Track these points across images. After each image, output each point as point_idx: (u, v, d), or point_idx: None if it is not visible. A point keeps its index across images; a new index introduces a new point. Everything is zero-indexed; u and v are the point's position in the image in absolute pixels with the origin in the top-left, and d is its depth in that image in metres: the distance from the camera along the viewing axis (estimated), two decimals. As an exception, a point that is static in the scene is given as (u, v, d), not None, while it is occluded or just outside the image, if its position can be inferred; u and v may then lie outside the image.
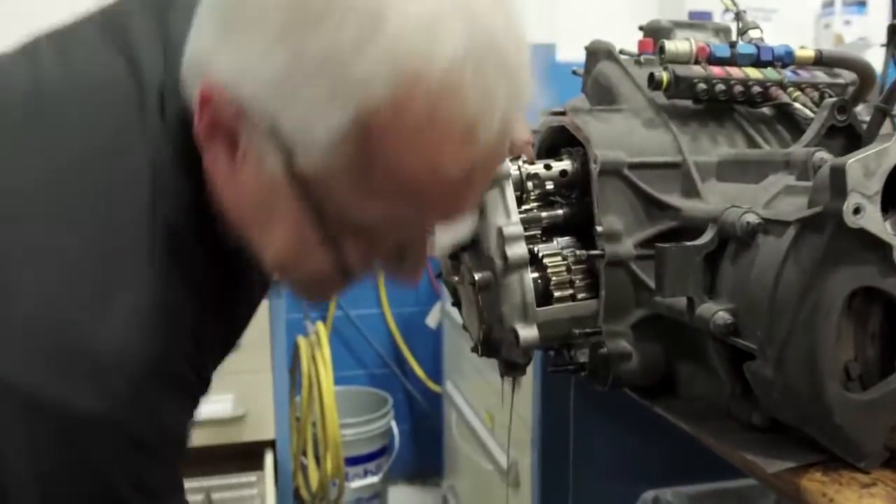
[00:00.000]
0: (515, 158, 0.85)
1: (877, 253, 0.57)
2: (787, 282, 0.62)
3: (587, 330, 0.81)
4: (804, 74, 0.88)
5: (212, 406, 1.87)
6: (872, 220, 0.55)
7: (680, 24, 0.98)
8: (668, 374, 0.82)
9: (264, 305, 1.94)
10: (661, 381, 0.83)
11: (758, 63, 0.87)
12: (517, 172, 0.83)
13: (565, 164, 0.85)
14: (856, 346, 0.61)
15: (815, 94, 0.85)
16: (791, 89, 0.86)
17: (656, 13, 2.90)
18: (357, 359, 2.73)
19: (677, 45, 0.86)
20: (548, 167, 0.85)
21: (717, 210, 0.71)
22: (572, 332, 0.81)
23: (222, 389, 1.92)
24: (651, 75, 0.84)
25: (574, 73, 1.04)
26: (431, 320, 2.60)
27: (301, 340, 2.17)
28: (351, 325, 2.69)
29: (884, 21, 2.72)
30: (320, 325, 2.21)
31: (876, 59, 0.86)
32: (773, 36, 3.13)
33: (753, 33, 0.91)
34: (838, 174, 0.55)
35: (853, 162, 0.55)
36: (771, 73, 0.86)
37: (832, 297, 0.58)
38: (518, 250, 0.78)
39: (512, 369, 0.85)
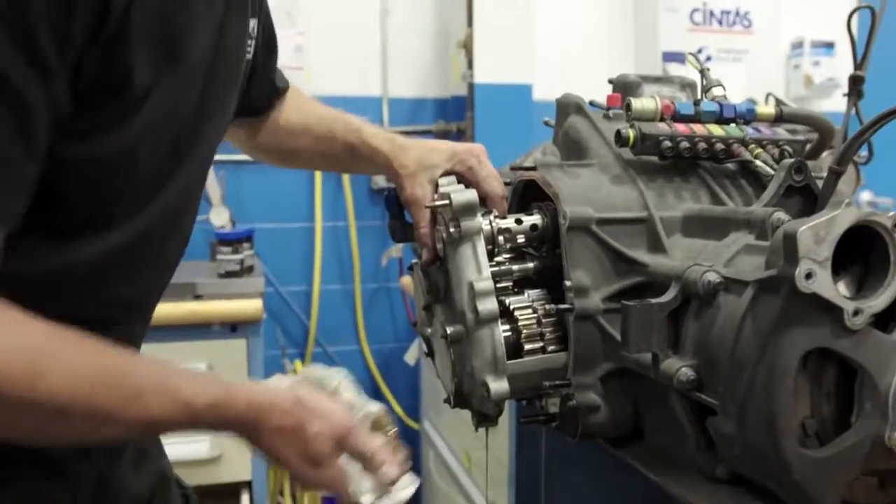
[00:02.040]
0: (487, 212, 0.88)
1: (829, 315, 0.60)
2: (745, 341, 0.64)
3: (557, 382, 0.82)
4: (765, 131, 0.91)
5: (188, 447, 1.87)
6: (824, 284, 0.58)
7: (647, 79, 1.02)
8: (636, 424, 0.84)
9: (241, 343, 1.94)
10: (631, 431, 0.85)
11: (721, 120, 0.91)
12: (488, 227, 0.85)
13: (535, 219, 0.88)
14: (812, 404, 0.63)
15: (776, 151, 0.88)
16: (752, 146, 0.89)
17: (631, 54, 2.97)
18: (335, 395, 2.72)
19: (643, 102, 0.89)
20: (518, 222, 0.87)
21: (681, 267, 0.73)
22: (542, 384, 0.83)
23: (199, 430, 1.91)
24: (618, 132, 0.87)
25: (546, 123, 1.07)
26: (410, 357, 2.60)
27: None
28: (329, 361, 2.69)
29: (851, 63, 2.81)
30: (298, 363, 2.21)
31: (843, 101, 0.89)
32: (745, 77, 3.20)
33: (716, 91, 0.95)
34: (790, 241, 0.58)
35: (804, 229, 0.57)
36: (733, 131, 0.89)
37: (787, 358, 0.60)
38: (489, 305, 0.80)
39: (484, 420, 0.87)
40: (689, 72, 2.93)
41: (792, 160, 0.76)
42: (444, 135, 2.80)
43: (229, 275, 1.97)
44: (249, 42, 0.89)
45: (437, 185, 0.92)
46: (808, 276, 0.58)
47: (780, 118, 0.92)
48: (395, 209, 0.96)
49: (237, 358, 1.91)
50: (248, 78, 0.96)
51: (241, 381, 0.80)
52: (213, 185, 2.36)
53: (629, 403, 0.83)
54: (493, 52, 2.51)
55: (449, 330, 0.82)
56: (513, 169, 0.93)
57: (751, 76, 2.84)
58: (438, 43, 2.84)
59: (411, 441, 2.56)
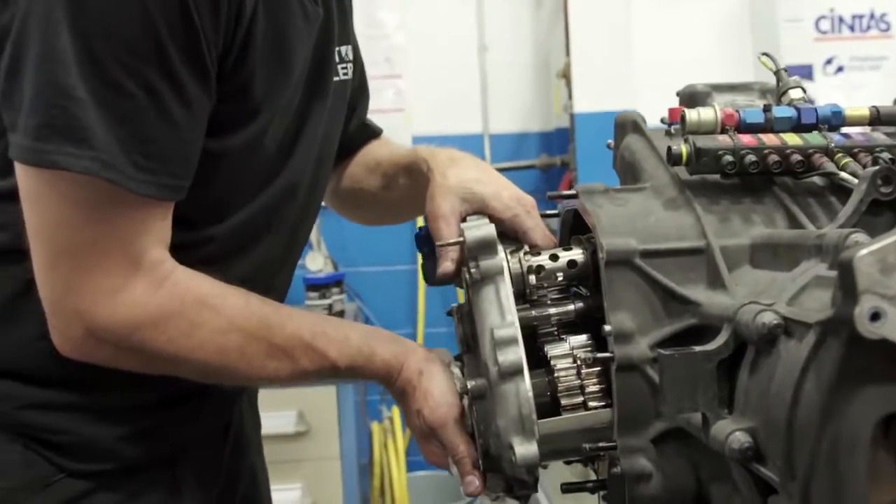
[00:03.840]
0: (517, 249, 0.77)
1: (912, 369, 0.45)
2: (807, 401, 0.50)
3: (600, 444, 0.70)
4: (857, 137, 0.75)
5: (279, 495, 1.83)
6: (897, 328, 0.43)
7: (719, 87, 0.89)
8: (700, 495, 0.70)
9: (331, 390, 1.91)
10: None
11: (799, 127, 0.76)
12: (517, 265, 0.75)
13: (574, 254, 0.77)
14: (901, 486, 0.48)
15: (869, 160, 0.73)
16: (839, 155, 0.73)
17: (751, 70, 2.75)
18: (442, 442, 2.64)
19: (700, 113, 0.76)
20: (554, 258, 0.76)
21: (733, 307, 0.59)
22: (582, 446, 0.70)
23: (289, 478, 1.88)
24: (669, 149, 0.75)
25: (608, 146, 0.96)
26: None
27: (375, 426, 2.12)
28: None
29: None
30: (395, 410, 2.15)
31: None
32: (883, 86, 2.91)
33: (794, 93, 0.80)
34: (846, 271, 0.44)
35: (864, 255, 0.43)
36: (814, 139, 0.74)
37: (856, 426, 0.46)
38: (511, 356, 0.69)
39: (521, 488, 0.75)
40: (817, 85, 2.68)
41: (877, 167, 0.61)
42: (548, 168, 2.70)
43: (319, 320, 1.95)
44: (344, 66, 0.96)
45: (464, 218, 0.83)
46: (875, 316, 0.43)
47: (876, 119, 0.76)
48: (426, 248, 0.87)
49: (328, 405, 1.87)
50: (345, 115, 1.03)
51: (392, 337, 0.87)
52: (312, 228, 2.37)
53: (690, 471, 0.69)
54: (591, 79, 2.40)
55: (470, 384, 0.72)
56: (550, 198, 0.83)
57: (891, 84, 2.56)
58: (539, 75, 2.76)
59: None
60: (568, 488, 0.76)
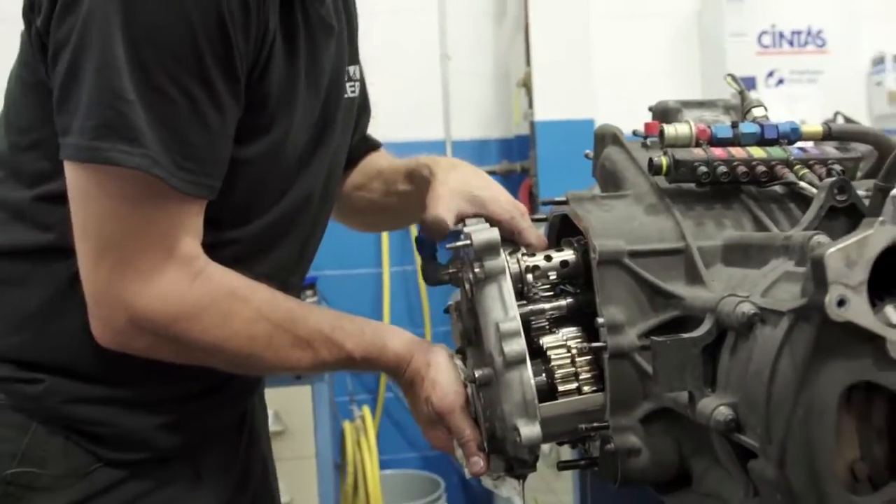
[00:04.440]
0: (515, 251, 0.85)
1: (871, 345, 0.54)
2: (782, 376, 0.59)
3: (594, 425, 0.78)
4: (813, 151, 0.85)
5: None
6: (859, 311, 0.53)
7: (688, 104, 0.98)
8: (682, 467, 0.78)
9: (306, 389, 1.96)
10: (676, 476, 0.79)
11: (762, 142, 0.86)
12: (516, 266, 0.83)
13: (566, 255, 0.85)
14: (861, 445, 0.57)
15: (824, 171, 0.83)
16: (798, 167, 0.83)
17: (698, 81, 2.89)
18: (408, 441, 2.70)
19: (677, 128, 0.85)
20: (548, 258, 0.84)
21: (715, 299, 0.68)
22: (579, 427, 0.78)
23: (267, 478, 1.92)
24: (650, 160, 0.84)
25: (586, 156, 1.04)
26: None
27: (347, 425, 2.17)
28: (402, 407, 2.68)
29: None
30: (366, 410, 2.20)
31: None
32: (821, 98, 3.07)
33: (757, 111, 0.90)
34: (818, 266, 0.53)
35: (833, 252, 0.52)
36: (776, 152, 0.84)
37: (826, 394, 0.55)
38: (515, 347, 0.77)
39: (521, 467, 0.83)
40: (759, 96, 2.85)
41: (833, 178, 0.71)
42: (508, 174, 2.79)
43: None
44: (352, 84, 1.03)
45: (463, 220, 0.90)
46: (841, 302, 0.52)
47: (828, 136, 0.87)
48: (427, 251, 0.94)
49: (302, 404, 1.92)
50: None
51: (402, 332, 0.93)
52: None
53: (673, 446, 0.78)
54: (552, 88, 2.49)
55: (477, 373, 0.79)
56: (544, 203, 0.91)
57: (827, 97, 2.72)
58: (499, 84, 2.85)
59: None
60: (563, 466, 0.84)
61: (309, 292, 2.03)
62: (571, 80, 2.52)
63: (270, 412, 1.93)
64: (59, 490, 0.83)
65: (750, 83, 2.79)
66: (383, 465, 2.26)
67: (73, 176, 0.77)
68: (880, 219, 0.54)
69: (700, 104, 0.99)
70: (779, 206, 0.85)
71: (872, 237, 0.53)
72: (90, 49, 0.74)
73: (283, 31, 0.84)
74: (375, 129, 2.87)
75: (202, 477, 0.93)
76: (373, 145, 1.21)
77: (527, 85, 2.57)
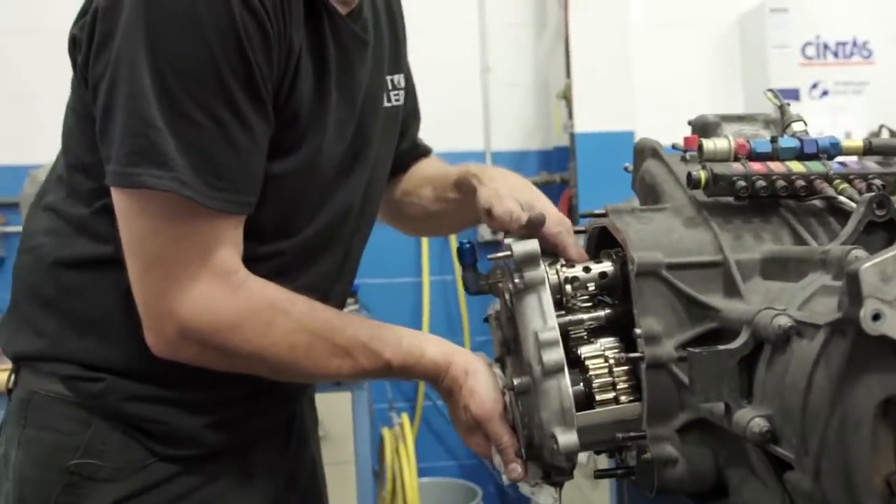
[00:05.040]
0: (555, 262, 0.87)
1: (906, 360, 0.55)
2: (818, 388, 0.59)
3: (631, 434, 0.79)
4: (853, 165, 0.86)
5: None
6: (894, 325, 0.53)
7: (728, 118, 0.99)
8: (719, 478, 0.79)
9: (346, 396, 1.99)
10: (713, 487, 0.80)
11: (802, 156, 0.86)
12: (555, 277, 0.85)
13: (605, 267, 0.86)
14: (897, 458, 0.57)
15: (864, 185, 0.83)
16: (837, 181, 0.84)
17: (741, 93, 2.87)
18: (446, 449, 2.72)
19: (716, 143, 0.86)
20: (587, 270, 0.86)
21: (752, 312, 0.69)
22: (616, 436, 0.80)
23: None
24: (689, 175, 0.85)
25: (625, 169, 1.06)
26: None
27: (385, 432, 2.20)
28: (440, 415, 2.70)
29: None
30: (405, 417, 2.23)
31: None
32: (866, 110, 3.03)
33: (797, 126, 0.90)
34: (853, 280, 0.54)
35: (868, 267, 0.53)
36: (815, 166, 0.85)
37: (860, 407, 0.55)
38: (554, 356, 0.78)
39: (558, 474, 0.84)
40: (803, 108, 2.82)
41: (872, 193, 0.71)
42: (547, 185, 2.81)
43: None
44: (396, 93, 1.06)
45: (522, 207, 0.93)
46: (876, 317, 0.53)
47: (869, 150, 0.87)
48: (467, 260, 0.97)
49: (342, 410, 1.95)
50: (399, 136, 1.13)
51: (440, 340, 0.95)
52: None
53: (710, 456, 0.79)
54: (592, 100, 2.51)
55: (515, 381, 0.81)
56: (582, 216, 0.92)
57: (873, 109, 2.69)
58: (539, 96, 2.87)
59: (526, 498, 2.51)
60: (600, 474, 0.86)
61: (350, 300, 2.07)
62: (611, 92, 2.53)
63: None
64: (118, 481, 0.88)
65: (793, 95, 2.77)
66: (421, 472, 2.28)
67: (117, 199, 0.83)
68: (916, 234, 0.54)
69: (740, 118, 1.00)
70: (818, 220, 0.86)
71: (908, 252, 0.54)
72: (121, 82, 0.79)
73: (310, 48, 0.88)
74: (416, 141, 2.90)
75: (251, 475, 0.97)
76: (423, 151, 1.24)
77: (567, 97, 2.58)
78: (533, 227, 0.89)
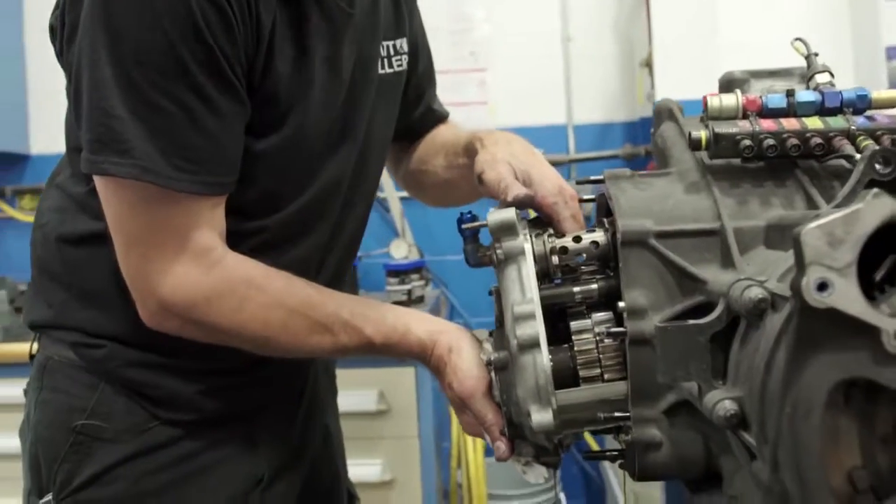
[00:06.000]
0: (542, 232, 0.82)
1: (865, 338, 0.47)
2: (776, 370, 0.53)
3: (614, 414, 0.74)
4: (882, 119, 0.76)
5: (361, 469, 1.94)
6: (846, 297, 0.46)
7: (758, 74, 0.90)
8: (710, 465, 0.73)
9: (409, 371, 1.99)
10: (706, 474, 0.73)
11: (823, 111, 0.77)
12: (541, 247, 0.80)
13: (596, 236, 0.81)
14: (863, 451, 0.50)
15: (889, 141, 0.73)
16: (861, 138, 0.74)
17: (850, 53, 2.63)
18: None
19: (722, 99, 0.79)
20: (577, 239, 0.81)
21: (728, 283, 0.62)
22: (598, 416, 0.75)
23: (370, 454, 1.98)
24: (689, 135, 0.78)
25: (651, 134, 0.99)
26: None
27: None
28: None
29: None
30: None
31: None
32: None
33: (820, 77, 0.81)
34: (796, 244, 0.47)
35: (811, 228, 0.46)
36: (836, 122, 0.75)
37: (811, 392, 0.49)
38: (528, 330, 0.74)
39: (544, 454, 0.80)
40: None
41: (876, 148, 0.62)
42: (632, 157, 2.69)
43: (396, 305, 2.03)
44: (398, 58, 1.05)
45: (516, 175, 0.89)
46: (822, 286, 0.46)
47: (905, 103, 0.76)
48: (468, 232, 0.93)
49: (406, 385, 1.96)
50: (411, 102, 1.11)
51: (428, 317, 0.94)
52: (397, 217, 2.46)
53: (698, 441, 0.72)
54: (674, 67, 2.37)
55: (493, 356, 0.77)
56: (579, 182, 0.87)
57: None
58: (623, 65, 2.75)
59: (588, 481, 2.43)
60: (588, 456, 0.81)
61: (415, 276, 2.07)
62: (696, 57, 2.38)
63: (374, 392, 1.99)
64: (122, 442, 0.92)
65: (907, 52, 2.51)
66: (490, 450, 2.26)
67: (97, 183, 0.86)
68: (874, 190, 0.47)
69: (772, 73, 0.90)
70: (842, 182, 0.76)
71: (865, 212, 0.46)
72: (84, 72, 0.80)
73: (288, 25, 0.86)
74: (495, 116, 2.86)
75: (255, 442, 0.99)
76: (440, 117, 1.20)
77: (649, 65, 2.45)
78: (519, 206, 0.85)
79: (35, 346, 1.00)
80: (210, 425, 0.95)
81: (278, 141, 0.89)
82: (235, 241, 0.88)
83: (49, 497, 0.91)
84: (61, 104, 0.94)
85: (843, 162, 0.77)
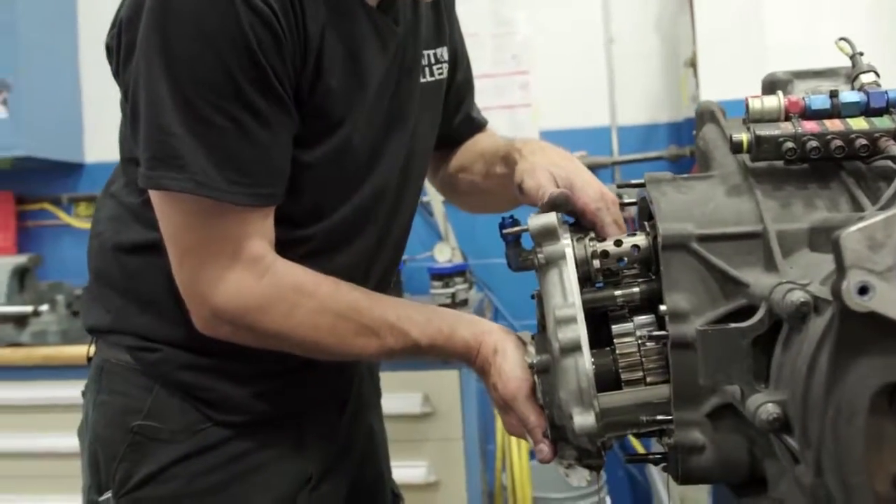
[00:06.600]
0: (583, 236, 0.83)
1: (909, 341, 0.47)
2: (819, 373, 0.53)
3: (656, 418, 0.74)
4: (931, 120, 0.74)
5: (405, 471, 1.96)
6: (887, 301, 0.46)
7: (802, 74, 0.89)
8: (753, 471, 0.72)
9: (453, 374, 2.00)
10: (751, 478, 0.73)
11: (868, 112, 0.76)
12: (582, 251, 0.80)
13: (638, 240, 0.81)
14: (908, 455, 0.50)
15: (939, 143, 0.72)
16: (909, 139, 0.73)
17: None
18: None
19: (764, 101, 0.78)
20: (618, 243, 0.81)
21: (770, 287, 0.62)
22: (641, 419, 0.75)
23: (415, 456, 2.00)
24: (730, 138, 0.77)
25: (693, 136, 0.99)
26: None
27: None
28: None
29: None
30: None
31: None
32: None
33: (865, 77, 0.80)
34: (836, 248, 0.47)
35: (851, 232, 0.46)
36: (882, 122, 0.74)
37: (854, 396, 0.48)
38: (570, 333, 0.75)
39: (587, 457, 0.80)
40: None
41: (922, 151, 0.62)
42: (676, 159, 2.67)
43: (442, 308, 2.05)
44: (439, 66, 1.07)
45: (557, 183, 0.90)
46: (863, 290, 0.46)
47: (955, 102, 0.75)
48: (510, 237, 0.94)
49: (450, 388, 1.97)
50: (451, 110, 1.14)
51: (475, 319, 0.95)
52: (440, 221, 2.48)
53: (743, 445, 0.72)
54: (719, 67, 2.34)
55: (535, 360, 0.78)
56: (619, 186, 0.87)
57: None
58: (667, 65, 2.72)
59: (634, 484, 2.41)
60: (631, 460, 0.81)
61: (459, 279, 2.08)
62: (741, 57, 2.35)
63: (419, 394, 2.01)
64: (176, 442, 0.95)
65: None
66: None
67: (152, 197, 0.89)
68: (918, 194, 0.46)
69: (817, 73, 0.89)
70: (888, 183, 0.75)
71: (906, 215, 0.46)
72: (142, 91, 0.84)
73: (337, 37, 0.89)
74: (538, 118, 2.85)
75: (304, 442, 1.02)
76: (478, 125, 1.22)
77: (694, 65, 2.43)
78: (554, 207, 0.86)
79: (92, 349, 1.04)
80: (260, 426, 0.98)
81: (326, 152, 0.92)
82: (284, 249, 0.91)
83: (108, 494, 0.95)
84: (115, 114, 0.98)
85: (891, 163, 0.76)
